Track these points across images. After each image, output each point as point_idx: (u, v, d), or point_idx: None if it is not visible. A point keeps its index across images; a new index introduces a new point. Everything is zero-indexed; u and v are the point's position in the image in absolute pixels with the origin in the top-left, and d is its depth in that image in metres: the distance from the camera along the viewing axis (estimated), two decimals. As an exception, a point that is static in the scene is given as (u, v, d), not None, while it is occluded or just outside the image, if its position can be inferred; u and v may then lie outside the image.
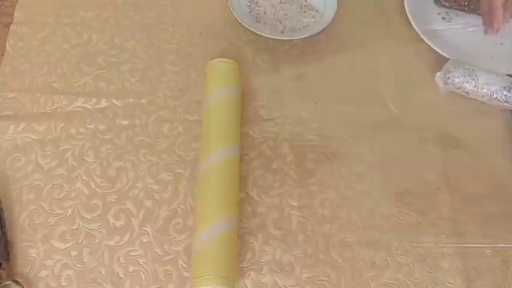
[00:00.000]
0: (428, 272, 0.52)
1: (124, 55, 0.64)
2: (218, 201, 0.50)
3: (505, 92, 0.61)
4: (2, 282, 0.46)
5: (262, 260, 0.51)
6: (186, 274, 0.50)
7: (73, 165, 0.55)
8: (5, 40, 0.64)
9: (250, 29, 0.65)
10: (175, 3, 0.70)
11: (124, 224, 0.52)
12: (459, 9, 0.74)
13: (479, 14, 0.74)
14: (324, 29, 0.67)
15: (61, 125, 0.57)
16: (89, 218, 0.52)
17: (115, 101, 0.60)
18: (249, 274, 0.50)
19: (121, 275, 0.49)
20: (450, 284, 0.52)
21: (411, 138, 0.61)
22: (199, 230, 0.49)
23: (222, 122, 0.55)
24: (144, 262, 0.50)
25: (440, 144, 0.61)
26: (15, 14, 0.66)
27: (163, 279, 0.49)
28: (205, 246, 0.47)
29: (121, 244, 0.51)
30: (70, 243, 0.50)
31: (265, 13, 0.70)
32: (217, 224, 0.48)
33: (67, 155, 0.56)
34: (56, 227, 0.51)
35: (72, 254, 0.50)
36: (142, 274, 0.49)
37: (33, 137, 0.56)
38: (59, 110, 0.59)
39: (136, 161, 0.56)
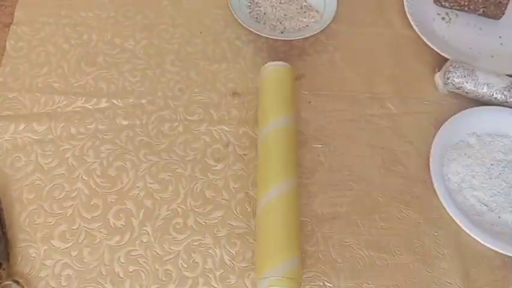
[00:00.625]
0: (428, 272, 0.52)
1: (124, 55, 0.64)
2: (280, 236, 0.49)
3: (504, 92, 0.61)
4: (2, 282, 0.46)
5: (262, 260, 0.51)
6: (186, 274, 0.50)
7: (73, 165, 0.55)
8: (5, 40, 0.64)
9: (250, 29, 0.65)
10: (175, 3, 0.70)
11: (124, 223, 0.52)
12: (459, 9, 0.74)
13: (479, 14, 0.74)
14: (324, 29, 0.67)
15: (61, 125, 0.57)
16: (89, 217, 0.52)
17: (115, 101, 0.60)
18: (249, 274, 0.50)
19: (121, 274, 0.49)
20: (450, 284, 0.52)
21: (411, 138, 0.61)
22: (266, 269, 0.47)
23: (282, 153, 0.53)
24: (144, 262, 0.50)
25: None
26: (15, 14, 0.66)
27: (164, 279, 0.49)
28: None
29: (121, 244, 0.51)
30: (70, 243, 0.50)
31: (265, 13, 0.70)
32: (280, 265, 0.46)
33: (67, 155, 0.56)
34: (56, 227, 0.51)
35: (72, 254, 0.50)
36: (142, 274, 0.49)
37: (34, 137, 0.56)
38: (59, 110, 0.59)
39: (136, 161, 0.56)
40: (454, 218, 0.52)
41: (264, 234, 0.49)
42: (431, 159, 0.57)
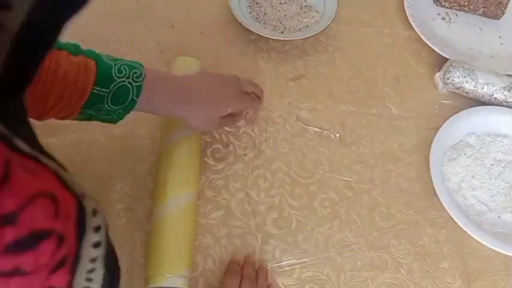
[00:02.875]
0: (428, 271, 0.52)
1: (125, 56, 0.64)
2: (164, 182, 0.50)
3: (504, 92, 0.61)
4: None
5: (262, 260, 0.51)
6: (186, 273, 0.50)
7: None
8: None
9: (250, 29, 0.65)
10: (175, 3, 0.71)
11: (124, 223, 0.52)
12: (459, 9, 0.74)
13: (479, 14, 0.74)
14: (324, 29, 0.67)
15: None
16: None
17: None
18: (249, 274, 0.50)
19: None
20: (450, 283, 0.52)
21: (411, 138, 0.61)
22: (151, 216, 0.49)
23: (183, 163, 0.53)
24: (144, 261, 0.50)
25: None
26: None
27: (163, 278, 0.49)
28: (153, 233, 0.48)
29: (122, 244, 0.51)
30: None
31: (265, 13, 0.70)
32: (160, 206, 0.49)
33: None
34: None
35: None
36: (142, 274, 0.49)
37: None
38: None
39: (137, 160, 0.56)
40: (453, 217, 0.53)
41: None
42: (431, 159, 0.57)
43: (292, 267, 0.51)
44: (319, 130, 0.61)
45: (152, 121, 0.59)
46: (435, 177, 0.55)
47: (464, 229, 0.52)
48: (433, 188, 0.55)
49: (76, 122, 0.44)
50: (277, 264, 0.51)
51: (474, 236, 0.52)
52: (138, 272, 0.49)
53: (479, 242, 0.52)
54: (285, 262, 0.51)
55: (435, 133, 0.59)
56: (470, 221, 0.53)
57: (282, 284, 0.50)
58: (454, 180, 0.57)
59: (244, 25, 0.65)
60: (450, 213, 0.53)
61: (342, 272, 0.51)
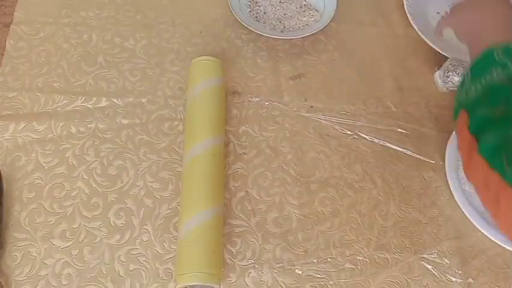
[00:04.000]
0: (428, 270, 0.52)
1: (124, 55, 0.64)
2: (201, 192, 0.50)
3: (504, 91, 0.61)
4: None
5: (263, 258, 0.51)
6: (187, 272, 0.50)
7: (73, 164, 0.55)
8: (5, 40, 0.64)
9: (250, 28, 0.65)
10: (175, 3, 0.71)
11: (124, 222, 0.52)
12: (458, 9, 0.74)
13: (479, 13, 0.74)
14: (323, 28, 0.67)
15: (61, 124, 0.58)
16: (89, 216, 0.52)
17: (115, 100, 0.60)
18: (250, 272, 0.50)
19: (121, 273, 0.49)
20: (450, 282, 0.52)
21: (411, 137, 0.61)
22: (183, 220, 0.49)
23: (205, 112, 0.56)
24: (145, 260, 0.50)
25: (439, 143, 0.61)
26: (15, 14, 0.66)
27: (164, 277, 0.49)
28: (189, 237, 0.47)
29: (121, 243, 0.51)
30: (71, 242, 0.50)
31: (265, 13, 0.70)
32: (201, 212, 0.49)
33: (68, 154, 0.56)
34: (56, 226, 0.51)
35: (72, 253, 0.50)
36: (142, 272, 0.49)
37: (34, 136, 0.56)
38: (59, 109, 0.59)
39: (137, 159, 0.56)
40: (470, 219, 0.53)
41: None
42: (446, 162, 0.57)
43: (293, 266, 0.51)
44: (319, 129, 0.61)
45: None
46: (451, 180, 0.56)
47: (482, 231, 0.53)
48: (434, 187, 0.55)
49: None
50: (277, 263, 0.51)
51: (491, 238, 0.52)
52: (139, 271, 0.49)
53: (480, 241, 0.52)
54: (285, 261, 0.51)
55: (436, 133, 0.59)
56: (487, 223, 0.53)
57: (282, 282, 0.50)
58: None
59: (244, 24, 0.65)
60: (467, 215, 0.54)
61: (343, 270, 0.51)
